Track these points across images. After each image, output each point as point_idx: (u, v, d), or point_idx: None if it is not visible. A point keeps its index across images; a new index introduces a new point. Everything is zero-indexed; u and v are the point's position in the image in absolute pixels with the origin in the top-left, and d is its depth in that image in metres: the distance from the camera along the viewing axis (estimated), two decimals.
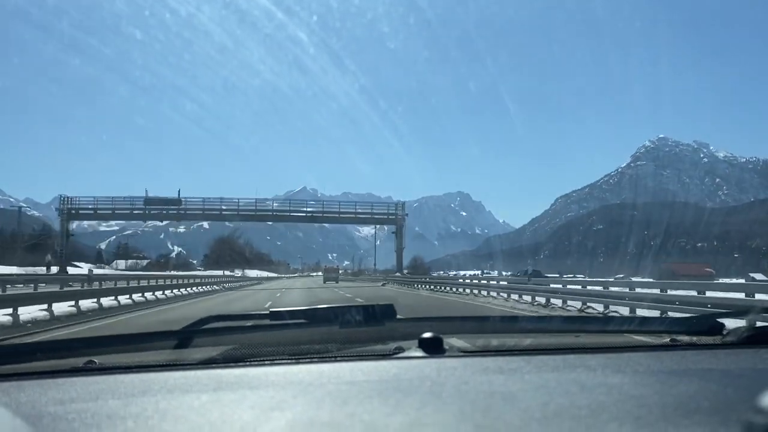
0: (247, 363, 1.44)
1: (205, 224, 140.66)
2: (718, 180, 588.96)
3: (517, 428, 0.90)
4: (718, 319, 1.74)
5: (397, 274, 56.42)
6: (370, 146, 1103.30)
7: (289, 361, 1.46)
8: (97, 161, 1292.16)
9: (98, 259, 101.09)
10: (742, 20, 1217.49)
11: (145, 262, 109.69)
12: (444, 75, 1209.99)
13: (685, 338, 1.69)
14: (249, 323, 1.69)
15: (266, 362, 1.44)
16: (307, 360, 1.47)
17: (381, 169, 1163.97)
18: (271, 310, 1.64)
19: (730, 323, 1.69)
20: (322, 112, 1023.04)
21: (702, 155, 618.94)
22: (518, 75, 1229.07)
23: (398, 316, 1.63)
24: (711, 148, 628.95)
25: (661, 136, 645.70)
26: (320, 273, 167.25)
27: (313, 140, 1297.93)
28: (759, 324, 1.65)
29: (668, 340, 1.69)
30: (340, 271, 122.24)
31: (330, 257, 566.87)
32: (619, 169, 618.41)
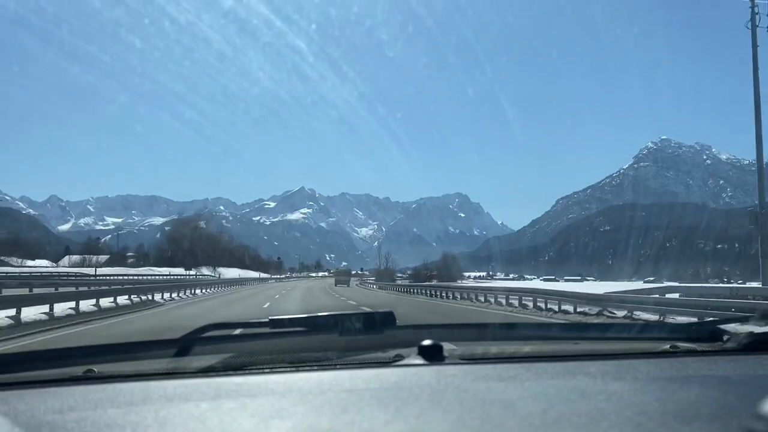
0: (247, 371, 1.43)
1: (202, 224, 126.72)
2: (721, 182, 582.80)
3: None
4: (719, 326, 1.74)
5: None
6: (369, 150, 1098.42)
7: (288, 368, 1.46)
8: (96, 166, 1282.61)
9: (66, 254, 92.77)
10: (743, 21, 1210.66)
11: (103, 258, 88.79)
12: (443, 80, 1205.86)
13: (685, 345, 1.68)
14: (248, 331, 1.67)
15: (266, 370, 1.44)
16: (307, 368, 1.46)
17: (379, 172, 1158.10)
18: (270, 317, 1.61)
19: (730, 330, 1.70)
20: (321, 118, 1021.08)
21: (705, 157, 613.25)
22: (518, 78, 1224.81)
23: (398, 324, 1.62)
24: (713, 149, 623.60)
25: (664, 137, 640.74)
26: (321, 275, 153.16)
27: (312, 146, 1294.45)
28: (759, 330, 1.65)
29: (668, 346, 1.68)
30: (353, 273, 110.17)
31: (328, 258, 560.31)
32: (622, 171, 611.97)
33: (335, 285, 63.04)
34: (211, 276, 77.58)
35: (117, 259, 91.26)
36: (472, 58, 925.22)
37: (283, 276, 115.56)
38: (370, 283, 75.24)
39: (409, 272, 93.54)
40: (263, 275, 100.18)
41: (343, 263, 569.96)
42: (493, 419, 0.97)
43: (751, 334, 1.63)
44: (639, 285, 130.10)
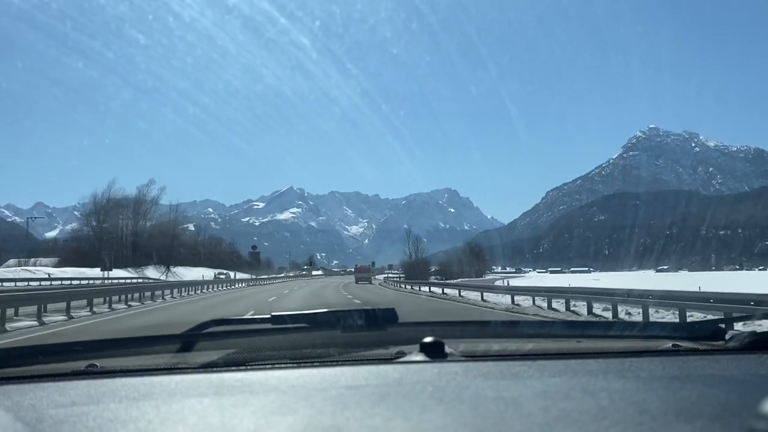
0: (249, 367, 1.43)
1: (191, 226, 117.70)
2: (711, 169, 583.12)
3: None
4: (721, 325, 1.74)
5: None
6: (359, 145, 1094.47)
7: (290, 365, 1.45)
8: (83, 172, 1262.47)
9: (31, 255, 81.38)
10: (728, 11, 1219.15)
11: (49, 260, 70.15)
12: (438, 75, 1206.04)
13: (688, 343, 1.67)
14: (251, 327, 1.67)
15: (268, 366, 1.44)
16: (309, 364, 1.45)
17: (368, 168, 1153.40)
18: (272, 314, 1.61)
19: (733, 329, 1.67)
20: (324, 115, 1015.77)
21: (693, 144, 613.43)
22: (506, 73, 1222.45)
23: (400, 321, 1.60)
24: (701, 137, 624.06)
25: (652, 126, 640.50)
26: (302, 272, 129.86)
27: (313, 143, 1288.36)
28: (761, 330, 1.63)
29: (670, 345, 1.67)
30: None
31: (319, 256, 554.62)
32: (611, 161, 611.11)
33: (356, 282, 56.62)
34: (150, 280, 53.37)
35: (67, 260, 68.84)
36: (469, 53, 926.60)
37: (274, 277, 79.82)
38: (394, 280, 58.38)
39: (434, 268, 74.71)
40: (220, 274, 70.30)
41: (335, 261, 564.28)
42: (495, 416, 0.96)
43: (754, 333, 1.62)
44: (651, 274, 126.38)
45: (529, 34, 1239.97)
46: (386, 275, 77.68)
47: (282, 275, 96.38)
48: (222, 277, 58.64)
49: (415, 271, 62.53)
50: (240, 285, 52.02)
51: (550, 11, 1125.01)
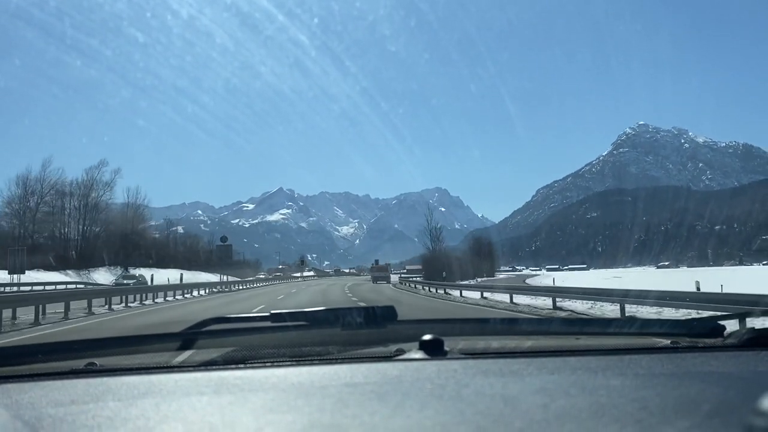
0: (248, 365, 1.43)
1: (180, 228, 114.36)
2: (701, 165, 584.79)
3: (518, 430, 0.89)
4: (719, 322, 1.75)
5: None
6: (356, 144, 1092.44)
7: (289, 363, 1.46)
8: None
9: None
10: (717, 8, 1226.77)
11: None
12: (437, 73, 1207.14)
13: (686, 340, 1.68)
14: (250, 325, 1.66)
15: (267, 364, 1.44)
16: (308, 362, 1.46)
17: (362, 167, 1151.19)
18: (272, 312, 1.61)
19: (731, 325, 1.68)
20: (323, 113, 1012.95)
21: (683, 140, 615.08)
22: (502, 72, 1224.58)
23: (399, 318, 1.60)
24: (690, 133, 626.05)
25: (641, 122, 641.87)
26: (277, 273, 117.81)
27: (301, 142, 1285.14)
28: (759, 326, 1.64)
29: (669, 342, 1.68)
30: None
31: (310, 257, 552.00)
32: (601, 158, 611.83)
33: (374, 283, 52.54)
34: (90, 286, 40.35)
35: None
36: (470, 54, 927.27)
37: (257, 279, 64.14)
38: (410, 280, 47.31)
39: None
40: (126, 278, 47.76)
41: (326, 262, 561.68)
42: (494, 414, 0.96)
43: (752, 329, 1.62)
44: (652, 270, 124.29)
45: (523, 33, 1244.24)
46: (400, 275, 67.66)
47: (256, 277, 75.06)
48: (128, 283, 37.53)
49: (437, 269, 50.90)
50: (200, 293, 32.89)
51: (544, 11, 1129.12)
